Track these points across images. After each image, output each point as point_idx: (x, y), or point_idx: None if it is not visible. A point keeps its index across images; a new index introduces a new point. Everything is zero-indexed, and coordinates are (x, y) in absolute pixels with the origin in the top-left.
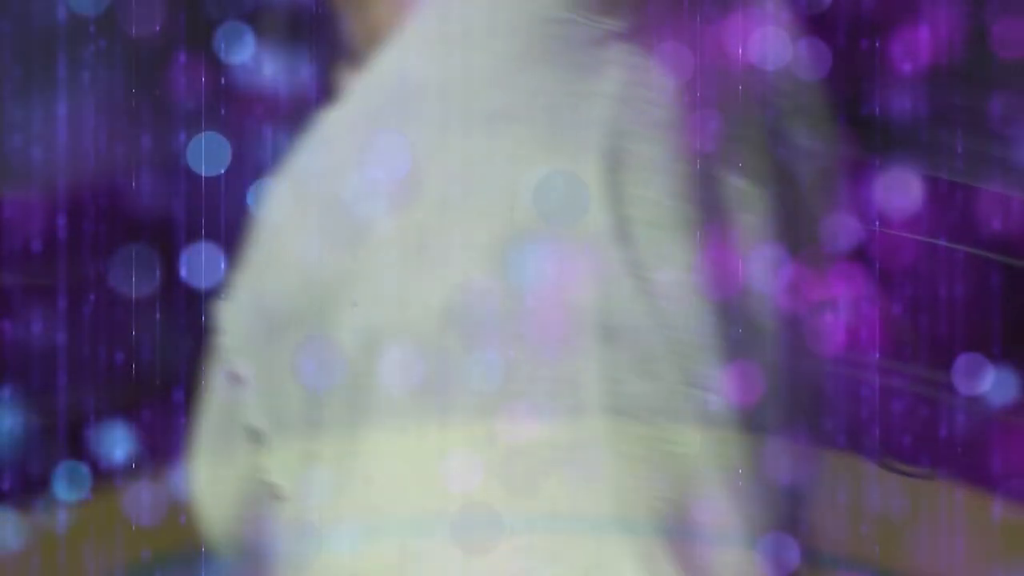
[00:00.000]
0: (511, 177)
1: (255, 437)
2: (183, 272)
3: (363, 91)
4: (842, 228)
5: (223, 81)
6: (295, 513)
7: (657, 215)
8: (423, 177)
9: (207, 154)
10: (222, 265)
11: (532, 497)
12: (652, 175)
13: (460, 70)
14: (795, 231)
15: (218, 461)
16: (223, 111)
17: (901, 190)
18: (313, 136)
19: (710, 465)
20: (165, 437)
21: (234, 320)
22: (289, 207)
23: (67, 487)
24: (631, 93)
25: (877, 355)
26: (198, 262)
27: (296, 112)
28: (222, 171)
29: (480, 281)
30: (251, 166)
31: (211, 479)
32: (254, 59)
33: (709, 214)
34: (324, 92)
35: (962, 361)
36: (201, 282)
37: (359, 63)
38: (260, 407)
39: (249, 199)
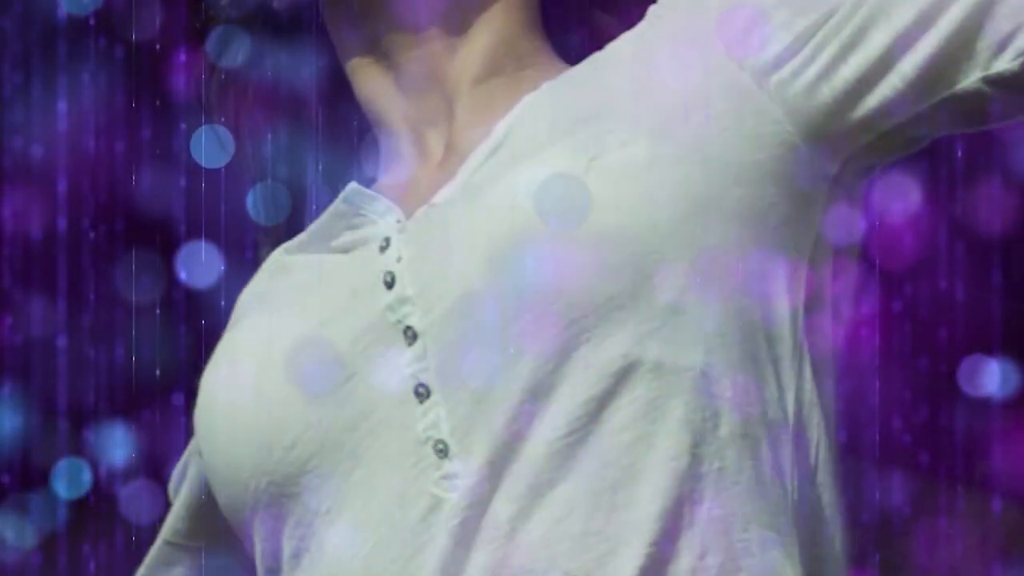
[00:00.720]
0: (732, 265)
1: (420, 392)
2: (181, 272)
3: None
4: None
5: (223, 78)
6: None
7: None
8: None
9: (210, 147)
10: (221, 265)
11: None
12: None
13: (696, 162)
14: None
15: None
16: (224, 108)
17: (900, 191)
18: None
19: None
20: (163, 437)
21: (422, 271)
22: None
23: (67, 486)
24: (824, 230)
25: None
26: (197, 261)
27: (297, 111)
28: (224, 164)
29: None
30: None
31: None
32: (255, 57)
33: None
34: (327, 91)
35: (967, 362)
36: (199, 281)
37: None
38: (432, 364)
39: (249, 199)
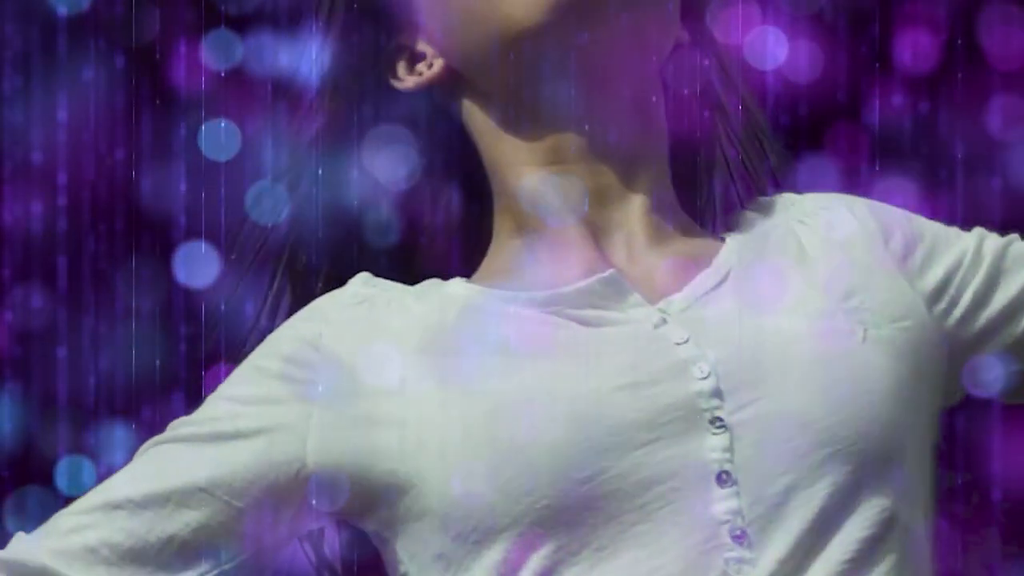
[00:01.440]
0: (926, 449)
1: (723, 479)
2: (180, 273)
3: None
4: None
5: (223, 75)
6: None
7: None
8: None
9: (218, 140)
10: (220, 265)
11: None
12: None
13: (914, 358)
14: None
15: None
16: (227, 105)
17: (900, 190)
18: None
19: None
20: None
21: (734, 375)
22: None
23: (69, 483)
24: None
25: None
26: (196, 261)
27: (297, 106)
28: (231, 157)
29: None
30: (254, 162)
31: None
32: (256, 54)
33: None
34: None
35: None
36: (198, 281)
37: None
38: (737, 458)
39: (249, 199)
